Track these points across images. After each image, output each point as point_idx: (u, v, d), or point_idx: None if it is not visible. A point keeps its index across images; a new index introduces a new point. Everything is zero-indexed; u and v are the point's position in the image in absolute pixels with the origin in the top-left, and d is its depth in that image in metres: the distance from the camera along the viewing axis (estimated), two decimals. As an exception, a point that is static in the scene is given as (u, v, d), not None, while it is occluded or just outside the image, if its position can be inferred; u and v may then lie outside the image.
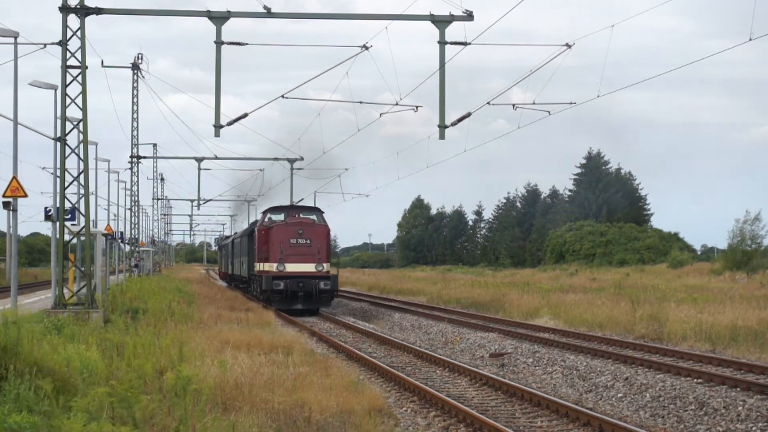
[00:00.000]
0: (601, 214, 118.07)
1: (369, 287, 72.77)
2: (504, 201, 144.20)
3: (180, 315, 29.35)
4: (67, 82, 28.55)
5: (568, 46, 28.79)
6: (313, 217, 46.35)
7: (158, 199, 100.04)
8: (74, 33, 28.35)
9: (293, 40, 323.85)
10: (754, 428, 16.52)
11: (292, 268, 43.55)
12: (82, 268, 30.15)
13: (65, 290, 29.97)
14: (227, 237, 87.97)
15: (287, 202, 54.12)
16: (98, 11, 28.47)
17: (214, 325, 29.26)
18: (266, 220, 47.40)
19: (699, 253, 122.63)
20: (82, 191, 29.28)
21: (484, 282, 64.20)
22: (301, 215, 46.24)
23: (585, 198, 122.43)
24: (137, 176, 67.35)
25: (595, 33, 61.13)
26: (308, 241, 43.94)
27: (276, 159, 61.40)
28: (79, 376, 14.59)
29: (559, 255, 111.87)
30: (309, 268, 43.59)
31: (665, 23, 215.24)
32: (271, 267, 44.22)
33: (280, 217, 46.87)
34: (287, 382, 17.86)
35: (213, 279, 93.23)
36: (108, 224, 56.20)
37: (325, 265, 43.82)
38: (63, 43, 28.27)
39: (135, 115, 63.07)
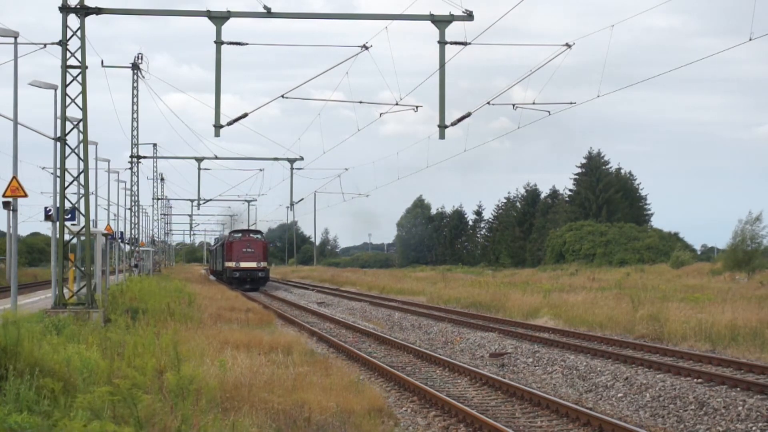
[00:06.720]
0: (601, 214, 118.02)
1: (369, 287, 72.76)
2: (504, 201, 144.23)
3: (180, 315, 29.36)
4: (67, 82, 28.55)
5: (568, 46, 28.80)
6: (257, 236, 78.49)
7: (158, 199, 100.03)
8: (74, 33, 28.36)
9: (293, 39, 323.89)
10: (754, 428, 16.52)
11: (243, 265, 74.79)
12: (82, 268, 30.15)
13: (65, 290, 29.96)
14: (214, 243, 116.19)
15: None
16: (98, 11, 28.46)
17: (214, 325, 29.29)
18: (231, 237, 78.87)
19: (699, 253, 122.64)
20: (82, 191, 29.28)
21: (484, 282, 64.17)
22: (250, 235, 78.29)
23: (585, 198, 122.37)
24: (137, 176, 67.42)
25: (595, 33, 60.93)
26: (253, 250, 75.23)
27: (276, 159, 61.45)
28: (80, 376, 14.59)
29: (559, 255, 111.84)
30: (253, 265, 74.89)
31: (666, 22, 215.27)
32: (232, 264, 75.43)
33: (239, 235, 78.15)
34: (287, 382, 17.87)
35: (213, 279, 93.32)
36: (108, 224, 56.13)
37: (262, 263, 75.29)
38: (63, 43, 28.27)
39: (135, 115, 63.09)
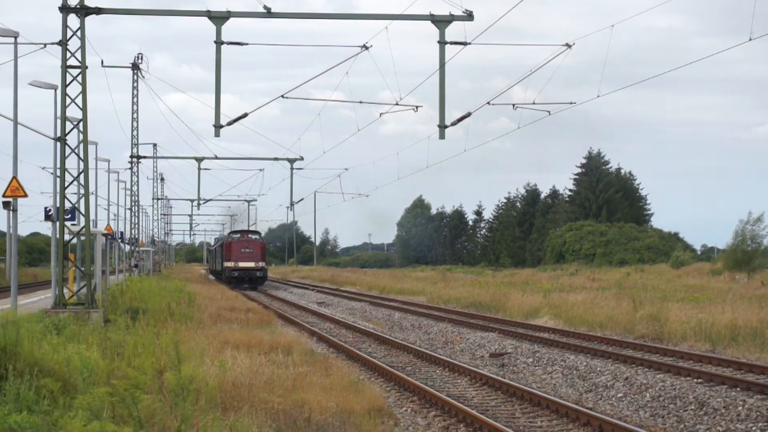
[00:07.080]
0: (601, 214, 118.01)
1: (369, 287, 72.73)
2: (504, 201, 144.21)
3: (180, 315, 29.36)
4: (67, 82, 28.55)
5: (568, 45, 28.80)
6: (255, 236, 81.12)
7: (158, 199, 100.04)
8: (74, 33, 28.35)
9: (294, 39, 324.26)
10: (754, 428, 16.52)
11: (242, 264, 76.99)
12: (82, 268, 30.15)
13: (65, 290, 29.96)
14: (214, 243, 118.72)
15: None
16: (98, 11, 28.45)
17: (214, 325, 29.28)
18: (230, 238, 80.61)
19: (699, 253, 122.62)
20: (82, 191, 29.28)
21: (484, 282, 64.16)
22: (249, 236, 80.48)
23: (585, 198, 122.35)
24: (137, 176, 67.43)
25: (595, 33, 60.94)
26: (251, 250, 77.50)
27: (276, 159, 61.45)
28: (79, 376, 14.59)
29: (559, 255, 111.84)
30: (251, 264, 77.12)
31: (666, 22, 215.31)
32: (231, 264, 77.51)
33: (237, 236, 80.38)
34: (287, 382, 17.87)
35: (212, 278, 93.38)
36: (108, 224, 56.13)
37: (260, 263, 77.61)
38: (63, 43, 28.26)
39: (135, 115, 63.10)
